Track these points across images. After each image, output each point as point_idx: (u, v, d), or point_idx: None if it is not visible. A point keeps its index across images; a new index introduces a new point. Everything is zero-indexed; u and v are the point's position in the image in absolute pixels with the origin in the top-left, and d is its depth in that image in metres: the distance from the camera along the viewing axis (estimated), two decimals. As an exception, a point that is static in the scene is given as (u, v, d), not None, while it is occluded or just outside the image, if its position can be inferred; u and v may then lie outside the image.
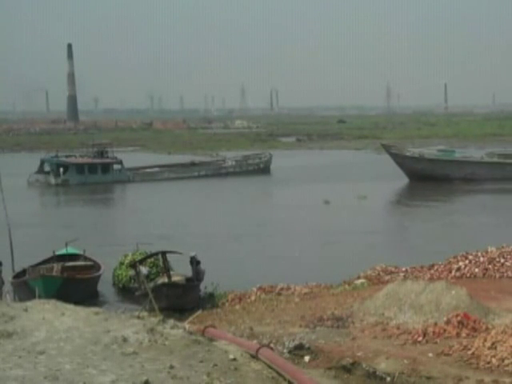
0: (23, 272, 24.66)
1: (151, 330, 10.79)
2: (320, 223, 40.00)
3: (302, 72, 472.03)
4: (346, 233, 36.35)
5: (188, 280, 23.72)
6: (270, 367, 10.56)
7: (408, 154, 62.36)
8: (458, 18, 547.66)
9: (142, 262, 24.34)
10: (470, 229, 36.93)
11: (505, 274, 22.66)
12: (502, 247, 24.49)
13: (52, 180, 63.54)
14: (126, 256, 25.75)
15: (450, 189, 54.91)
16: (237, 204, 49.99)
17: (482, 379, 12.54)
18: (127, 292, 24.96)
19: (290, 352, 14.21)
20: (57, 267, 25.23)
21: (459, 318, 15.66)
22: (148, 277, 24.02)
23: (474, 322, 15.67)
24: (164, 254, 24.21)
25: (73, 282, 24.05)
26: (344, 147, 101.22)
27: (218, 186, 61.41)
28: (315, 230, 37.60)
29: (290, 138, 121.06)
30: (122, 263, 25.61)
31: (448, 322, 15.67)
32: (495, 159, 60.68)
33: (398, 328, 16.06)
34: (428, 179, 57.96)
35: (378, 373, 12.52)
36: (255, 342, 13.58)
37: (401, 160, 62.05)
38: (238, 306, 21.28)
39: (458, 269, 23.23)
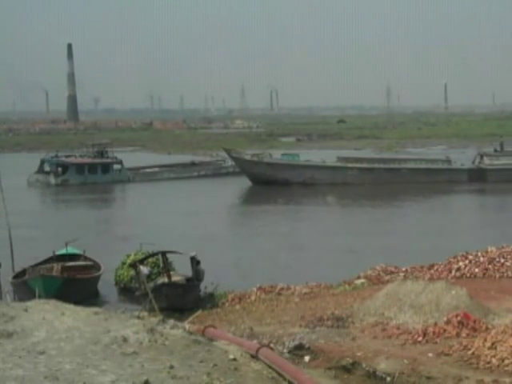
0: (23, 272, 24.66)
1: (151, 330, 10.79)
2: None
3: (301, 72, 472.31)
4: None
5: (188, 280, 23.71)
6: (270, 367, 10.56)
7: (247, 157, 61.97)
8: (458, 18, 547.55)
9: (142, 261, 24.34)
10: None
11: (505, 274, 22.66)
12: (502, 247, 24.49)
13: (52, 180, 63.55)
14: (128, 256, 25.74)
15: (281, 192, 54.55)
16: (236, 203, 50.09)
17: (481, 379, 12.54)
18: (128, 292, 24.96)
19: (289, 352, 14.21)
20: (57, 267, 25.24)
21: (459, 318, 15.65)
22: (149, 277, 24.02)
23: (474, 322, 15.66)
24: (164, 254, 24.21)
25: (73, 282, 24.05)
26: (344, 147, 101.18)
27: (218, 186, 61.41)
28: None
29: (289, 138, 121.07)
30: (124, 263, 25.60)
31: (448, 322, 15.67)
32: (336, 163, 60.42)
33: (398, 328, 16.06)
34: (269, 183, 57.86)
35: (378, 373, 12.52)
36: (255, 342, 13.58)
37: (241, 164, 61.90)
38: (238, 306, 21.28)
39: (458, 269, 23.23)
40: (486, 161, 60.26)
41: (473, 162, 61.15)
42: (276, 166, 59.93)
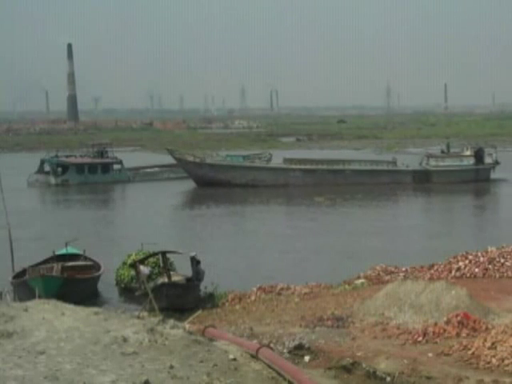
0: (23, 272, 24.64)
1: (151, 330, 10.79)
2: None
3: (301, 72, 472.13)
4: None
5: (188, 280, 23.70)
6: (270, 367, 10.56)
7: (190, 159, 61.68)
8: (458, 18, 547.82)
9: (142, 261, 24.33)
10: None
11: (505, 274, 22.65)
12: (502, 247, 24.49)
13: (52, 180, 63.54)
14: (129, 256, 25.73)
15: (220, 194, 54.33)
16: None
17: (481, 379, 12.54)
18: (128, 292, 24.95)
19: (289, 352, 14.22)
20: (57, 267, 25.22)
21: (459, 318, 15.66)
22: (150, 277, 24.02)
23: (474, 322, 15.67)
24: (164, 253, 24.20)
25: (73, 282, 24.03)
26: (344, 147, 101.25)
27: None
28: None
29: (289, 138, 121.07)
30: (125, 263, 25.58)
31: (448, 322, 15.67)
32: (278, 165, 60.07)
33: (398, 328, 16.06)
34: (212, 184, 57.70)
35: (378, 373, 12.52)
36: (255, 342, 13.58)
37: (185, 165, 61.64)
38: (238, 306, 21.27)
39: (458, 269, 23.22)
40: (432, 162, 59.82)
41: (420, 164, 60.63)
42: (218, 167, 59.71)
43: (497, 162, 60.10)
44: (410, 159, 64.23)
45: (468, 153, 60.55)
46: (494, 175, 60.07)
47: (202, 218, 43.85)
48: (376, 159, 63.62)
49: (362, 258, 28.94)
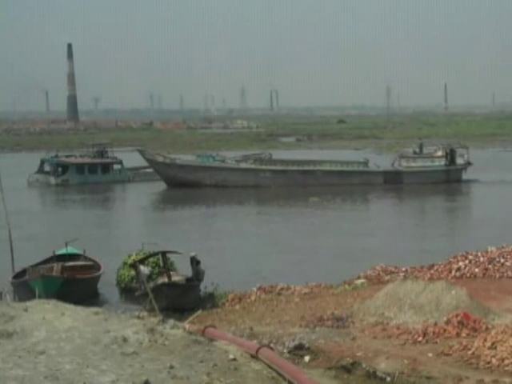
0: (23, 272, 24.64)
1: (151, 330, 10.78)
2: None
3: (302, 72, 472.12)
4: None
5: (188, 280, 23.70)
6: (270, 367, 10.55)
7: (160, 159, 61.58)
8: (457, 18, 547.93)
9: (142, 261, 24.33)
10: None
11: (505, 274, 22.65)
12: (502, 247, 24.49)
13: (52, 180, 63.56)
14: (129, 256, 25.72)
15: (189, 195, 54.45)
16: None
17: (481, 379, 12.54)
18: (128, 292, 24.95)
19: (289, 352, 14.21)
20: (57, 267, 25.21)
21: (459, 318, 15.65)
22: (150, 277, 24.02)
23: (474, 322, 15.66)
24: (164, 253, 24.20)
25: (73, 282, 24.03)
26: (344, 147, 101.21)
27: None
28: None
29: (289, 138, 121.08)
30: (125, 263, 25.58)
31: (448, 322, 15.67)
32: (248, 165, 59.93)
33: (398, 328, 16.06)
34: (182, 185, 57.65)
35: (378, 373, 12.52)
36: (255, 342, 13.58)
37: (155, 166, 61.52)
38: (238, 306, 21.27)
39: (458, 269, 23.22)
40: (403, 163, 59.50)
41: (392, 164, 60.31)
42: (188, 167, 59.64)
43: (468, 163, 59.68)
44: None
45: (439, 153, 60.26)
46: (466, 176, 59.67)
47: (170, 220, 43.79)
48: (347, 160, 62.86)
49: (357, 258, 29.06)
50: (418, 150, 62.06)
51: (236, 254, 31.57)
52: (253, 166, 59.43)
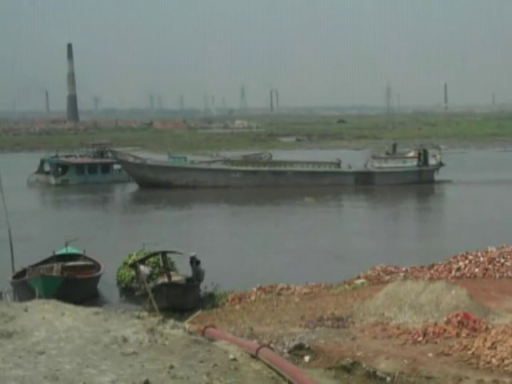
0: (23, 272, 24.64)
1: (151, 330, 10.78)
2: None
3: (302, 72, 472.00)
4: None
5: (188, 280, 23.70)
6: (270, 367, 10.55)
7: (131, 160, 61.45)
8: (457, 18, 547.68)
9: (142, 261, 24.33)
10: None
11: (505, 274, 22.66)
12: (502, 247, 24.49)
13: (52, 180, 63.57)
14: (130, 256, 25.73)
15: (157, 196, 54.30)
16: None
17: (481, 379, 12.54)
18: (128, 292, 24.95)
19: (290, 352, 14.21)
20: (57, 267, 25.22)
21: (459, 318, 15.65)
22: (150, 277, 24.03)
23: (474, 322, 15.66)
24: (164, 254, 24.19)
25: (73, 282, 24.03)
26: (344, 147, 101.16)
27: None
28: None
29: (289, 138, 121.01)
30: (125, 263, 25.59)
31: (448, 322, 15.66)
32: (219, 166, 59.85)
33: (398, 328, 16.06)
34: (153, 186, 57.57)
35: (378, 373, 12.52)
36: (255, 342, 13.58)
37: (127, 166, 61.44)
38: (238, 306, 21.27)
39: (458, 269, 23.23)
40: (375, 164, 59.33)
41: (365, 165, 60.05)
42: (158, 168, 59.56)
43: (441, 164, 59.41)
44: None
45: (411, 154, 60.01)
46: (438, 177, 59.36)
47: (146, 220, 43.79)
48: (319, 160, 62.58)
49: (353, 258, 29.28)
50: (390, 150, 61.62)
51: (220, 253, 31.56)
52: (224, 167, 59.44)
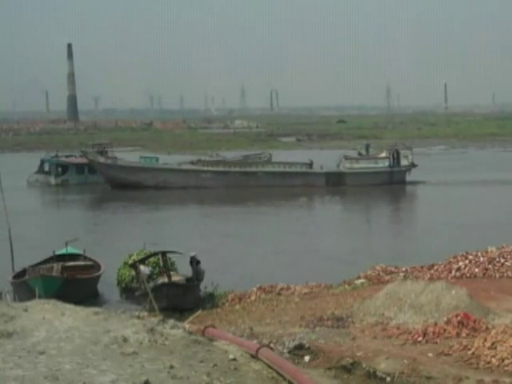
0: (23, 272, 24.65)
1: (151, 330, 10.78)
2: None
3: (302, 72, 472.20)
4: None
5: (188, 280, 23.71)
6: (270, 367, 10.55)
7: (101, 160, 61.32)
8: (458, 18, 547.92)
9: (142, 261, 24.34)
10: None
11: (505, 274, 22.66)
12: (502, 247, 24.49)
13: (52, 180, 63.58)
14: (130, 256, 25.73)
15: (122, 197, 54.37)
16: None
17: (481, 379, 12.53)
18: (128, 292, 24.95)
19: (290, 352, 14.20)
20: (57, 267, 25.22)
21: (459, 318, 15.65)
22: (150, 277, 24.03)
23: (474, 322, 15.66)
24: (164, 253, 24.20)
25: (73, 282, 24.04)
26: (344, 147, 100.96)
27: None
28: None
29: (289, 138, 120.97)
30: (126, 263, 25.59)
31: (448, 322, 15.66)
32: (189, 166, 59.73)
33: (398, 328, 16.05)
34: (124, 186, 57.49)
35: (378, 373, 12.52)
36: (255, 342, 13.58)
37: (97, 166, 61.24)
38: (238, 306, 21.27)
39: (458, 269, 23.23)
40: (346, 164, 59.08)
41: (337, 166, 59.77)
42: (128, 169, 59.42)
43: (413, 165, 59.03)
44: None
45: (383, 155, 59.77)
46: (410, 177, 59.02)
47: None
48: (291, 161, 62.36)
49: (348, 258, 29.22)
50: (363, 151, 61.44)
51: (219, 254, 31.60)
52: (194, 167, 59.32)
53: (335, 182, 57.84)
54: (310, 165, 59.38)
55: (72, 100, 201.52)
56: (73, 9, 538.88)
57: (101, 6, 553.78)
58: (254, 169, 59.14)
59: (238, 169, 59.16)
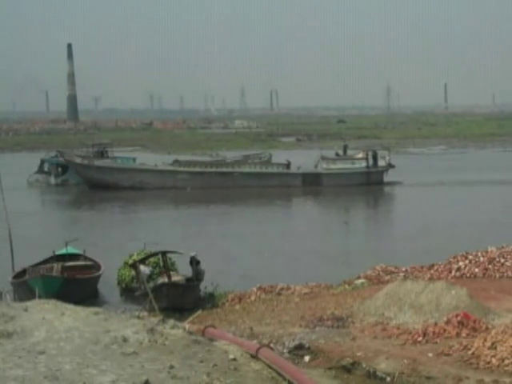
0: (23, 272, 24.64)
1: (151, 330, 10.78)
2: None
3: (301, 72, 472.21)
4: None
5: (188, 280, 23.71)
6: (270, 367, 10.56)
7: (78, 160, 61.18)
8: (458, 18, 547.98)
9: (142, 261, 24.33)
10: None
11: (505, 274, 22.65)
12: (502, 247, 24.49)
13: (52, 180, 63.56)
14: (130, 256, 25.72)
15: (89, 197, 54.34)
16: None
17: (481, 379, 12.54)
18: (128, 292, 24.94)
19: (290, 352, 14.21)
20: (57, 267, 25.22)
21: (459, 318, 15.65)
22: (150, 277, 24.03)
23: (474, 322, 15.66)
24: (164, 253, 24.19)
25: (73, 282, 24.03)
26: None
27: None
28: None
29: (289, 138, 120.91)
30: (126, 263, 25.59)
31: (448, 322, 15.66)
32: (166, 167, 59.57)
33: (398, 328, 16.06)
34: (101, 187, 57.38)
35: (378, 373, 12.53)
36: (255, 342, 13.58)
37: (74, 167, 61.16)
38: (238, 306, 21.27)
39: (458, 269, 23.22)
40: (323, 165, 58.81)
41: (315, 166, 59.47)
42: (105, 169, 59.35)
43: (390, 165, 58.82)
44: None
45: (360, 155, 59.55)
46: (388, 178, 58.73)
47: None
48: (268, 161, 61.59)
49: (342, 259, 29.20)
50: (341, 152, 61.17)
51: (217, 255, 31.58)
52: (170, 168, 59.15)
53: (312, 183, 57.63)
54: (287, 165, 59.25)
55: (72, 100, 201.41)
56: (73, 9, 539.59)
57: (101, 6, 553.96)
58: (230, 169, 59.05)
59: (213, 169, 59.09)
